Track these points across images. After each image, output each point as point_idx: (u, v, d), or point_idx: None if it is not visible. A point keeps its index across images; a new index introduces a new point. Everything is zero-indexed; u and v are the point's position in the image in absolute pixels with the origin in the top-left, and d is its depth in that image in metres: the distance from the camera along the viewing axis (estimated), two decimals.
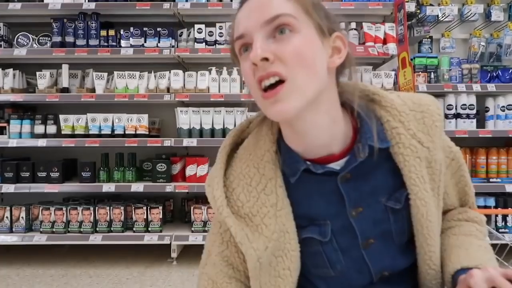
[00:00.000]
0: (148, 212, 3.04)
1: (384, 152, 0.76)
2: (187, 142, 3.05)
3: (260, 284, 0.77)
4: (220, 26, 3.21)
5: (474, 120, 3.16)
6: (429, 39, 3.52)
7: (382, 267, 0.79)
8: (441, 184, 0.79)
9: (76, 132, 3.12)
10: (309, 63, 0.68)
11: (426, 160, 0.77)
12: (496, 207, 3.10)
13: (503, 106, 3.17)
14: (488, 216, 3.04)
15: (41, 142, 3.09)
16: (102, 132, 3.12)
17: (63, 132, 3.13)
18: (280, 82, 0.67)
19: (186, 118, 3.10)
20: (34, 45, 3.26)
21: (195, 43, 3.20)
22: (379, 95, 0.79)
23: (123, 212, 3.05)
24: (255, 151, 0.79)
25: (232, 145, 0.83)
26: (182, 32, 3.27)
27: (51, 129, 3.17)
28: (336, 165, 0.76)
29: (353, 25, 3.27)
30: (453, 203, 0.89)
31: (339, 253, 0.78)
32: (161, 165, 3.11)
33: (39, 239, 3.00)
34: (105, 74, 3.20)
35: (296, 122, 0.72)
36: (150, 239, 2.98)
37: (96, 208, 3.04)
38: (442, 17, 3.29)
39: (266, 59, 0.66)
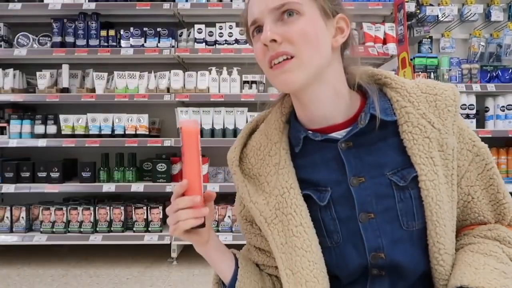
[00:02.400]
0: (148, 212, 3.04)
1: (392, 127, 0.79)
2: None
3: (276, 244, 0.79)
4: (220, 26, 3.21)
5: (474, 120, 3.16)
6: (429, 39, 3.53)
7: (377, 245, 0.76)
8: (455, 172, 0.77)
9: (76, 132, 3.12)
10: (313, 41, 0.75)
11: (437, 143, 0.77)
12: None
13: (503, 106, 3.17)
14: None
15: (41, 142, 3.09)
16: (102, 132, 3.12)
17: (63, 132, 3.12)
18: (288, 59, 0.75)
19: (186, 118, 3.10)
20: (34, 45, 3.26)
21: (195, 43, 3.20)
22: (391, 78, 0.84)
23: (123, 212, 3.05)
24: (268, 123, 0.88)
25: (254, 126, 0.92)
26: (182, 32, 3.27)
27: (51, 129, 3.17)
28: (338, 134, 0.81)
29: (353, 25, 3.25)
30: (482, 212, 0.81)
31: (336, 222, 0.79)
32: (161, 165, 3.11)
33: (39, 239, 3.00)
34: (105, 74, 3.20)
35: (302, 94, 0.80)
36: (150, 239, 2.98)
37: (96, 208, 3.04)
38: (442, 17, 3.29)
39: (274, 40, 0.74)
